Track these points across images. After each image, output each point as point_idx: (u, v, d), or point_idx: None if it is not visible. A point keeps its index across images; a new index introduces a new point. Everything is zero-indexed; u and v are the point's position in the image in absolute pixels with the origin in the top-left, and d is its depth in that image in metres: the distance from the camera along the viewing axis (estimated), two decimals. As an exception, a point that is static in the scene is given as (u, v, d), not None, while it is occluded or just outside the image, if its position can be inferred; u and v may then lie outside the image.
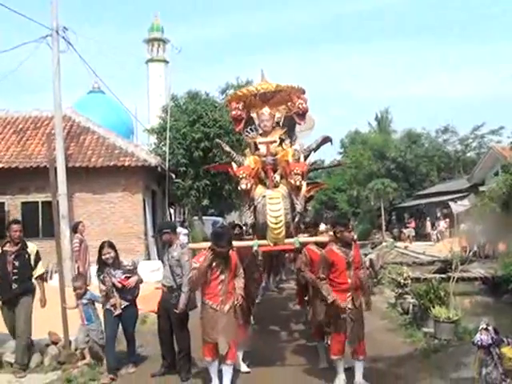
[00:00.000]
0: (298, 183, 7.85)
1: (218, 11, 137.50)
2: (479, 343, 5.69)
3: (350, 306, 6.75)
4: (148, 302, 12.41)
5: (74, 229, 13.83)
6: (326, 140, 9.32)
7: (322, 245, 7.73)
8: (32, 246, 8.44)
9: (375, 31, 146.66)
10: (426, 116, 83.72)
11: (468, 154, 47.98)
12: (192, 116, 26.59)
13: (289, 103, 8.60)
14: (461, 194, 33.58)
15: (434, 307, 9.36)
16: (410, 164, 46.05)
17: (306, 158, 8.81)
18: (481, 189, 29.23)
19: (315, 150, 9.25)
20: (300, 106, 8.42)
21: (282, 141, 8.45)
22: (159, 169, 20.70)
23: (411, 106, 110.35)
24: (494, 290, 16.85)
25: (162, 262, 8.20)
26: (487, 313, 13.97)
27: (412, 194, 45.94)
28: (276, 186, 8.13)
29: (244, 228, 12.09)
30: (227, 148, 8.91)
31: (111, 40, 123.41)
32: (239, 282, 6.95)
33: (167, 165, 23.29)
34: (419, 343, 8.98)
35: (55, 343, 8.38)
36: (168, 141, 25.03)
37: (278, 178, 8.20)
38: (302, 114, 8.54)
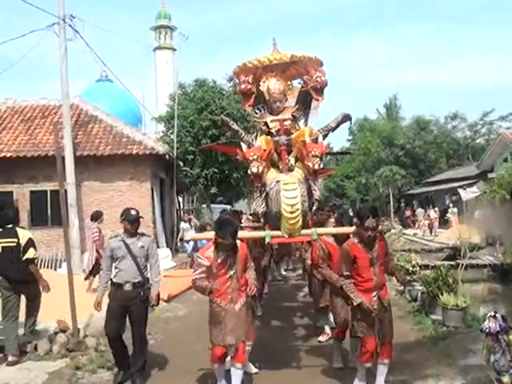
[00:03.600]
0: (316, 166, 6.79)
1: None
2: (487, 330, 5.66)
3: (375, 306, 5.96)
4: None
5: (96, 217, 13.63)
6: (347, 118, 8.16)
7: (341, 238, 7.01)
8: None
9: (381, 17, 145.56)
10: (435, 102, 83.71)
11: (477, 141, 47.88)
12: (199, 104, 26.56)
13: (305, 76, 7.62)
14: (470, 181, 33.42)
15: (442, 294, 9.32)
16: (419, 151, 45.98)
17: (324, 138, 7.65)
18: (490, 175, 29.09)
19: (334, 129, 8.05)
20: (318, 79, 7.37)
21: (294, 118, 7.58)
22: (167, 157, 20.77)
23: (420, 92, 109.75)
24: (503, 277, 16.78)
25: (113, 256, 6.93)
26: (496, 300, 13.93)
27: (421, 181, 45.86)
28: (291, 169, 7.21)
29: (244, 215, 11.88)
30: (235, 126, 7.95)
31: (119, 28, 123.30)
32: (251, 274, 6.28)
33: (175, 153, 23.33)
34: (427, 330, 8.95)
35: (64, 331, 8.40)
36: (176, 129, 25.06)
37: (292, 160, 7.31)
38: (320, 89, 7.48)
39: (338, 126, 8.10)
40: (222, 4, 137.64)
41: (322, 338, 8.65)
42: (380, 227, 6.42)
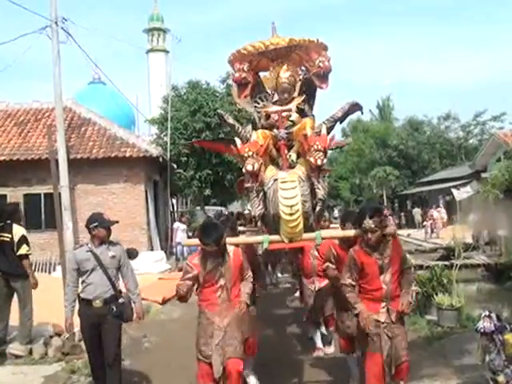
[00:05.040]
0: (319, 162, 5.91)
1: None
2: (482, 330, 5.68)
3: (383, 319, 5.32)
4: (151, 293, 12.51)
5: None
6: (355, 108, 7.18)
7: (347, 241, 6.29)
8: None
9: (374, 16, 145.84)
10: (428, 103, 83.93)
11: (470, 141, 47.95)
12: (193, 106, 26.60)
13: (307, 63, 6.86)
14: (463, 181, 33.48)
15: (437, 295, 9.35)
16: (412, 151, 46.07)
17: (329, 130, 6.74)
18: (483, 175, 29.17)
19: (342, 119, 7.11)
20: (320, 64, 6.55)
21: (301, 111, 6.81)
22: (161, 159, 20.76)
23: (412, 93, 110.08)
24: (497, 277, 16.84)
25: (80, 270, 6.09)
26: (490, 300, 13.98)
27: (414, 182, 45.95)
28: (291, 166, 6.43)
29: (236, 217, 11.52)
30: (231, 120, 7.04)
31: (111, 30, 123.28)
32: (246, 287, 5.67)
33: (169, 155, 23.35)
34: (422, 331, 8.96)
35: (59, 335, 8.42)
36: (169, 131, 25.07)
37: (293, 156, 6.56)
38: (324, 76, 6.67)
39: (345, 116, 7.14)
40: (215, 5, 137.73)
41: (316, 354, 8.13)
42: (393, 229, 5.81)
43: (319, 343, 8.24)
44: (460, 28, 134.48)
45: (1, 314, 8.31)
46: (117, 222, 6.55)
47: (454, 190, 33.50)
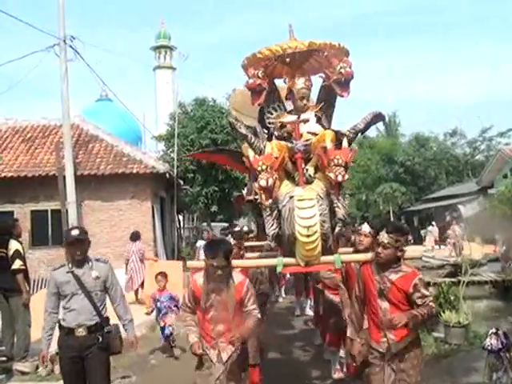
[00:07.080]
0: (339, 178, 5.35)
1: (223, 16, 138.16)
2: (489, 348, 5.66)
3: (382, 349, 4.76)
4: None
5: (138, 237, 14.10)
6: (378, 117, 6.53)
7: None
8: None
9: (379, 32, 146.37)
10: (434, 119, 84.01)
11: (476, 157, 48.06)
12: (199, 123, 26.72)
13: (326, 69, 6.21)
14: (470, 197, 33.47)
15: (444, 312, 9.31)
16: (419, 168, 46.07)
17: (350, 142, 6.07)
18: (490, 191, 29.18)
19: (363, 130, 6.45)
20: (342, 70, 5.95)
21: (319, 119, 6.26)
22: (167, 176, 20.81)
23: (419, 109, 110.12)
24: (504, 294, 16.74)
25: (60, 294, 5.39)
26: (498, 317, 13.87)
27: (421, 198, 45.90)
28: (309, 182, 5.82)
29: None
30: (243, 130, 6.20)
31: (119, 48, 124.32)
32: (248, 324, 5.01)
33: (175, 171, 23.40)
34: (430, 348, 8.87)
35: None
36: (176, 148, 25.15)
37: (311, 170, 5.93)
38: (345, 83, 6.06)
39: (367, 127, 6.44)
40: (222, 23, 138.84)
41: (336, 376, 7.61)
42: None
43: (337, 365, 7.74)
44: (466, 45, 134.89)
45: (5, 329, 8.35)
46: (84, 238, 5.49)
47: (460, 207, 33.46)
